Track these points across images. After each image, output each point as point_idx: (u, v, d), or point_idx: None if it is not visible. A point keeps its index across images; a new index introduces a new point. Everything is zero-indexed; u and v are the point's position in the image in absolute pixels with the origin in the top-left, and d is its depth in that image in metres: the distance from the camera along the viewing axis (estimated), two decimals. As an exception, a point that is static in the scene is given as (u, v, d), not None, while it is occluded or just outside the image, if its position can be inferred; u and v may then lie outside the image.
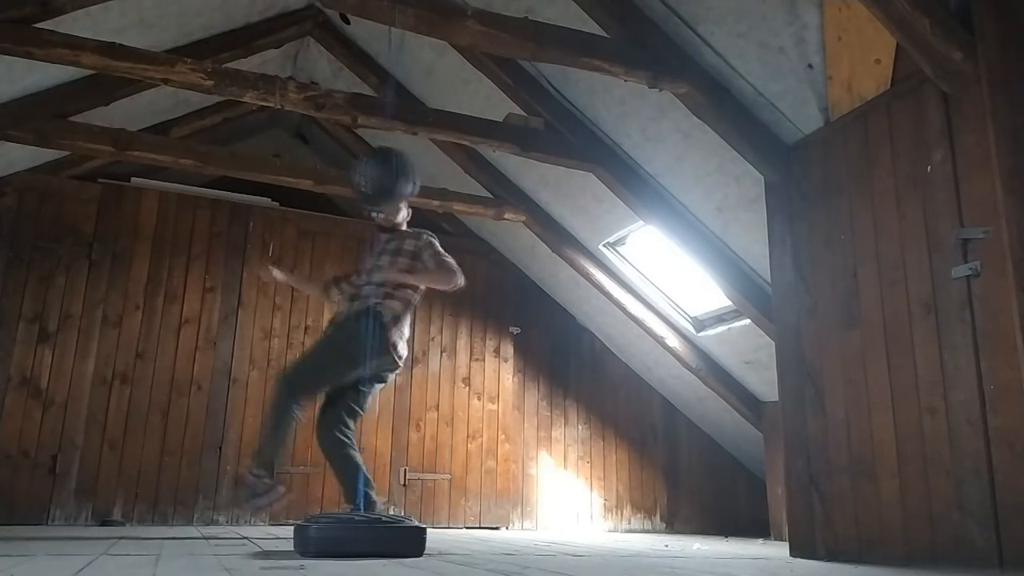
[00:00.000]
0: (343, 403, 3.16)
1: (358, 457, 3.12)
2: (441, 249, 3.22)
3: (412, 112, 4.08)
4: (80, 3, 3.25)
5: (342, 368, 3.08)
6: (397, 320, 3.14)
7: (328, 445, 3.12)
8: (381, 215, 3.19)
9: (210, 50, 4.18)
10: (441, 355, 5.27)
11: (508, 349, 5.47)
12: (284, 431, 3.06)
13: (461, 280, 3.13)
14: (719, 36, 3.25)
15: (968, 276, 2.51)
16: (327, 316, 5.06)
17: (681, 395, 5.53)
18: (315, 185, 4.49)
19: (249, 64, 4.41)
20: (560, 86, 4.05)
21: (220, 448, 4.63)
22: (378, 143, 5.38)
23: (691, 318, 4.88)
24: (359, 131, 5.27)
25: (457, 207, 4.76)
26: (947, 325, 2.58)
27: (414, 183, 3.20)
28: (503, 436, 5.30)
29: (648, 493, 5.54)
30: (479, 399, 5.31)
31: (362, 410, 3.23)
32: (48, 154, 4.48)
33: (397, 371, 3.30)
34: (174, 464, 4.53)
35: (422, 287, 3.25)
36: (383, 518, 2.65)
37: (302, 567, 2.06)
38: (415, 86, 4.76)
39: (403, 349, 3.20)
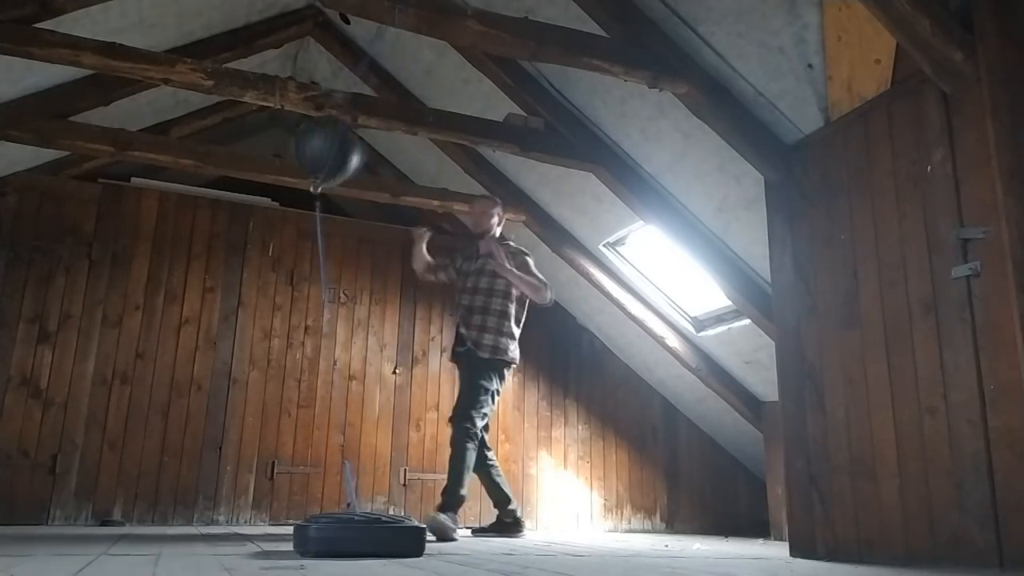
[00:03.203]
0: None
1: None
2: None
3: (412, 112, 4.09)
4: (80, 3, 3.25)
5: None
6: None
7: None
8: (321, 188, 3.44)
9: (210, 50, 4.18)
10: (441, 355, 5.27)
11: (508, 349, 5.47)
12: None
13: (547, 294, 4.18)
14: (719, 36, 3.25)
15: (968, 276, 2.51)
16: (327, 316, 5.07)
17: (681, 395, 5.53)
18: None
19: (249, 64, 4.41)
20: (560, 86, 4.05)
21: (220, 448, 4.63)
22: (380, 143, 5.40)
23: (691, 318, 4.88)
24: (359, 131, 5.27)
25: (457, 207, 4.76)
26: (947, 325, 2.58)
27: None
28: (503, 436, 5.30)
29: (648, 493, 5.54)
30: (479, 399, 5.30)
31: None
32: (48, 154, 4.48)
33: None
34: (174, 464, 4.54)
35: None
36: (383, 518, 2.65)
37: (302, 567, 2.06)
38: (415, 86, 4.76)
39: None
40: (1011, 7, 2.45)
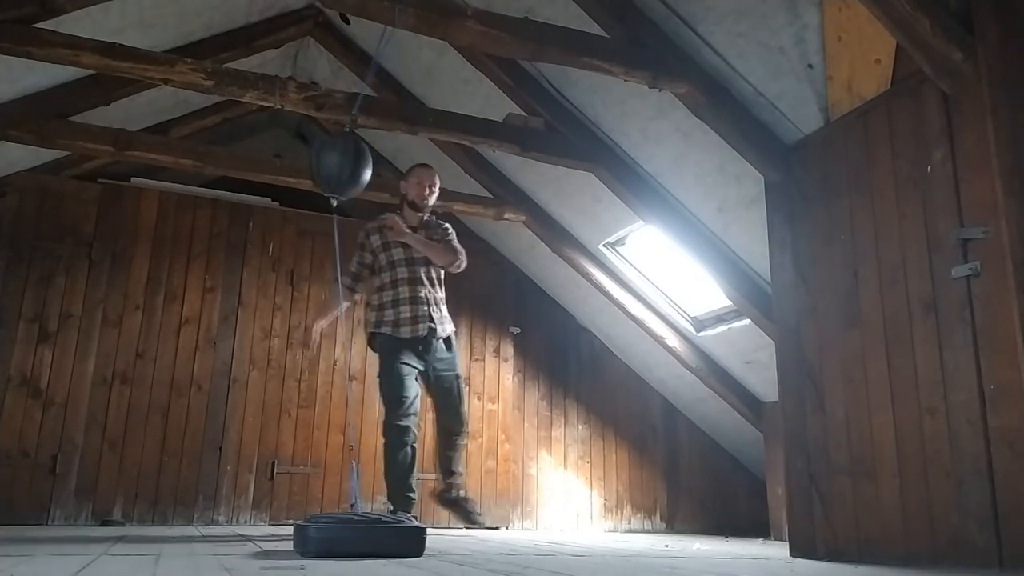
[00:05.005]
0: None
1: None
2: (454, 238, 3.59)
3: (412, 112, 4.08)
4: (80, 3, 3.25)
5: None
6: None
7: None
8: (338, 202, 3.36)
9: (210, 50, 4.18)
10: (441, 355, 5.26)
11: (508, 349, 5.47)
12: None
13: (463, 261, 3.51)
14: (719, 36, 3.25)
15: (968, 276, 2.51)
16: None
17: (681, 395, 5.53)
18: (315, 185, 4.48)
19: (249, 64, 4.41)
20: (560, 86, 4.05)
21: (220, 448, 4.63)
22: (380, 144, 5.40)
23: (691, 318, 4.88)
24: (359, 131, 5.26)
25: (457, 207, 4.75)
26: (947, 325, 2.58)
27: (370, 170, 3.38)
28: (503, 436, 5.30)
29: (648, 493, 5.54)
30: (479, 399, 5.31)
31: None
32: (48, 154, 4.47)
33: None
34: (174, 464, 4.53)
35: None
36: (383, 518, 2.65)
37: (302, 567, 2.06)
38: (415, 86, 4.76)
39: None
40: (1011, 7, 2.45)
